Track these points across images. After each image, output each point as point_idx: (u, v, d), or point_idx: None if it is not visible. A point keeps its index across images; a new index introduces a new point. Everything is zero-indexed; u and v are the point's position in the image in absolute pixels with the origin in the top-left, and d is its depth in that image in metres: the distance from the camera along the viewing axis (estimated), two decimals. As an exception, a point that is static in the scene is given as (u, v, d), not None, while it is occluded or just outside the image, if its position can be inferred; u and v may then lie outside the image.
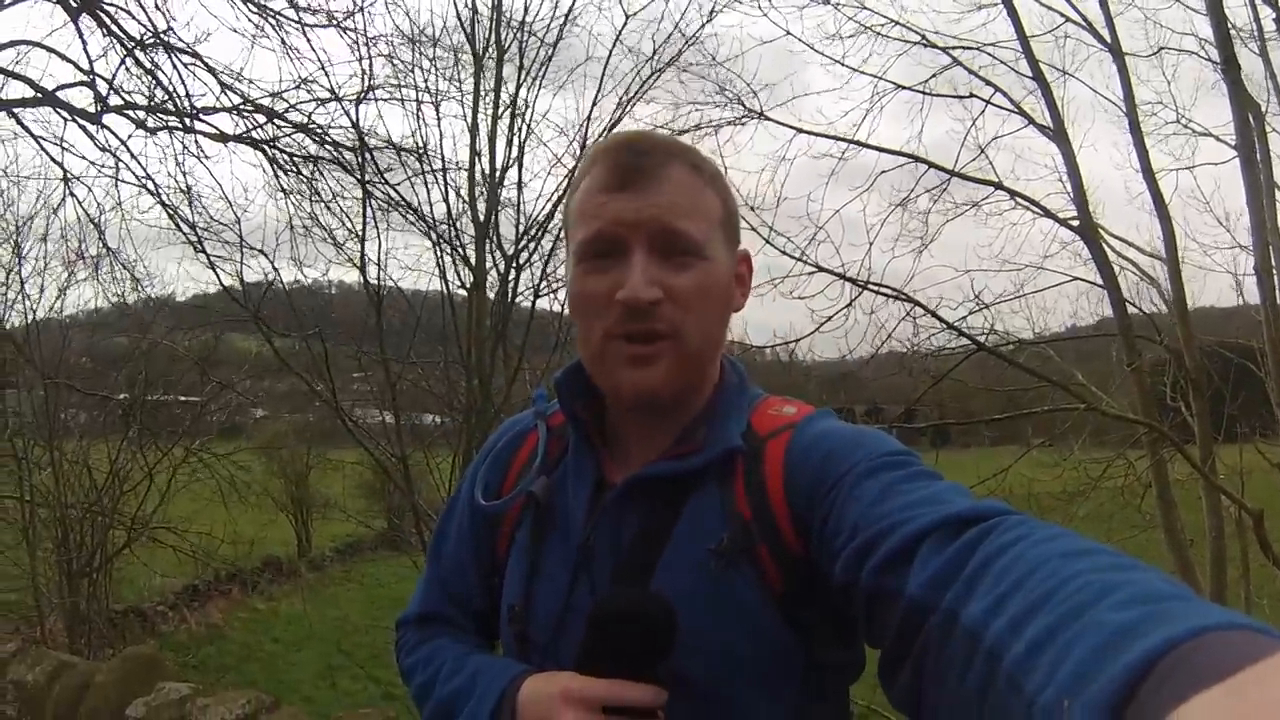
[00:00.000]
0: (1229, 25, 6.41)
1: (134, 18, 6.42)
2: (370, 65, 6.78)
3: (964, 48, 7.42)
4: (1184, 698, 0.40)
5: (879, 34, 7.42)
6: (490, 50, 7.23)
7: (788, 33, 7.52)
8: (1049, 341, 7.82)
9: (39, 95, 6.84)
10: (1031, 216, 7.54)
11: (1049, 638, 0.55)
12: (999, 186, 7.44)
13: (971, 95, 7.47)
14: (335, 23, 6.78)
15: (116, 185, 7.32)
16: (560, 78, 8.40)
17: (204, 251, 7.10)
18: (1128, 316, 7.25)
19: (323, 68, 6.78)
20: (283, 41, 6.69)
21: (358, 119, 6.67)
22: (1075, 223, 7.21)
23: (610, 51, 7.26)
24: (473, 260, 7.17)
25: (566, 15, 7.24)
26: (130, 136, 6.95)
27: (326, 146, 7.02)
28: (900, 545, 0.78)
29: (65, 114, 6.98)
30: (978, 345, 6.37)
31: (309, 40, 6.65)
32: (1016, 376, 7.12)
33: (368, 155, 6.69)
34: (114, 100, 6.74)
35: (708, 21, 7.29)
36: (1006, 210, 7.60)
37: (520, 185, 7.41)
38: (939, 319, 6.37)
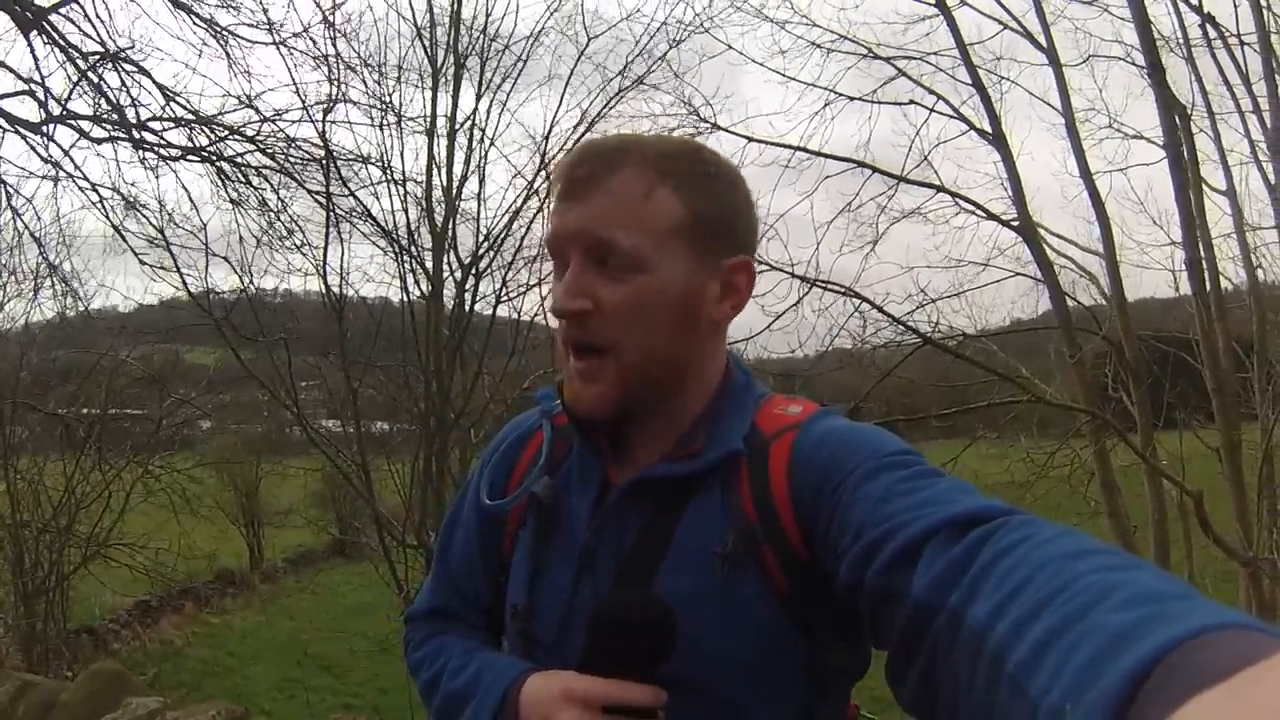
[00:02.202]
0: (1154, 32, 6.69)
1: (81, 30, 6.32)
2: (335, 82, 6.74)
3: (907, 57, 7.66)
4: (1183, 700, 0.40)
5: (830, 49, 7.67)
6: (448, 62, 7.25)
7: (729, 46, 7.72)
8: (993, 335, 8.02)
9: (-23, 106, 6.66)
10: (974, 220, 7.78)
11: (1051, 641, 0.55)
12: (942, 189, 7.66)
13: (912, 102, 7.70)
14: (276, 41, 6.72)
15: (55, 198, 7.18)
16: (521, 94, 8.44)
17: (148, 264, 7.01)
18: (1068, 310, 7.51)
19: (260, 82, 6.73)
20: (228, 57, 6.63)
21: (324, 131, 6.64)
22: (1015, 223, 7.46)
23: (570, 72, 7.35)
24: (430, 269, 7.17)
25: (533, 35, 7.31)
26: (73, 146, 6.81)
27: (275, 159, 6.96)
28: (905, 546, 0.79)
29: (6, 124, 6.82)
30: (924, 339, 6.53)
31: (253, 57, 6.60)
32: (961, 371, 7.31)
33: (330, 165, 6.66)
34: (59, 111, 6.61)
35: (674, 46, 7.40)
36: (951, 215, 7.84)
37: (481, 196, 7.44)
38: (886, 314, 6.52)
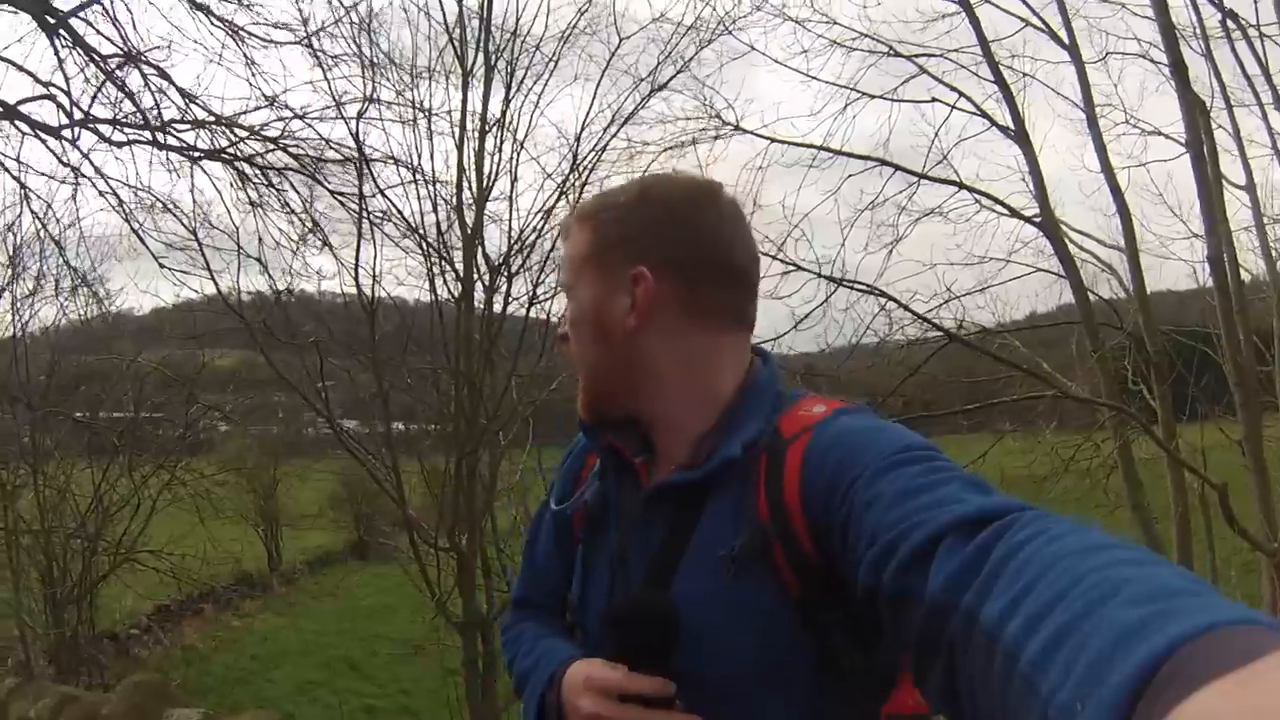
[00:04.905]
0: (1175, 29, 6.73)
1: (100, 32, 6.34)
2: (367, 79, 6.78)
3: (928, 54, 7.70)
4: (1188, 694, 0.41)
5: (850, 48, 7.72)
6: (478, 63, 7.31)
7: (751, 48, 7.77)
8: (1015, 331, 8.06)
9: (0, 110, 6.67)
10: (994, 216, 7.83)
11: (1062, 638, 0.56)
12: (963, 186, 7.71)
13: (934, 100, 7.74)
14: (302, 39, 6.77)
15: (75, 201, 7.20)
16: (551, 93, 8.52)
17: (168, 267, 7.03)
18: (1089, 305, 7.56)
19: (281, 82, 6.75)
20: (247, 59, 6.66)
21: (357, 133, 6.68)
22: (1038, 219, 7.51)
23: (601, 74, 7.43)
24: (460, 270, 7.22)
25: (564, 36, 7.36)
26: (91, 150, 6.83)
27: (299, 159, 6.99)
28: (918, 547, 0.79)
29: (28, 128, 6.82)
30: (950, 336, 6.58)
31: (275, 58, 6.65)
32: (984, 366, 7.36)
33: (362, 165, 6.70)
34: (80, 115, 6.62)
35: (702, 48, 7.47)
36: (972, 213, 7.88)
37: (512, 197, 7.52)
38: (912, 312, 6.58)
